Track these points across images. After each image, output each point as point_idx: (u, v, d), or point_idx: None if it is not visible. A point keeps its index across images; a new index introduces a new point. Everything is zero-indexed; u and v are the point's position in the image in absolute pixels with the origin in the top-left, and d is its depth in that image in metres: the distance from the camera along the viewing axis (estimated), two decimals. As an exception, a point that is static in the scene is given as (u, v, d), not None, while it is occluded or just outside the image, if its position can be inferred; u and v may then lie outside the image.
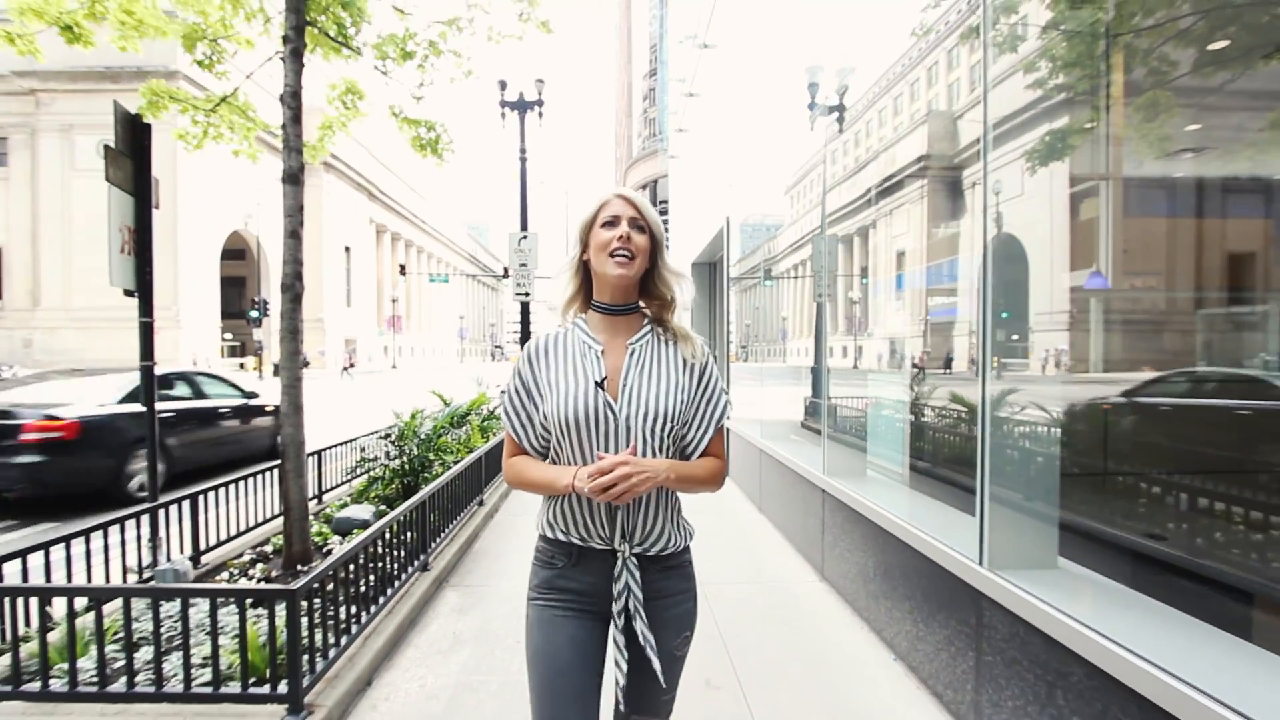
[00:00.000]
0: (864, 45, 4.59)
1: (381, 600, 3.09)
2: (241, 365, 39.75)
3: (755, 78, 6.84)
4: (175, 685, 2.33)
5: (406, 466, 5.11)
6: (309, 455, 4.83)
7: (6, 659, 2.36)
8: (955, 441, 3.16)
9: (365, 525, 4.39)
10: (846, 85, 4.84)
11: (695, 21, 9.80)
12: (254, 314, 33.23)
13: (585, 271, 1.38)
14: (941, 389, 3.50)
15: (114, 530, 3.27)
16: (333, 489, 5.69)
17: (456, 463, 5.05)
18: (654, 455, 1.28)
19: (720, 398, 1.37)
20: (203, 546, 3.89)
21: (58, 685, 2.28)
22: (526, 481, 1.35)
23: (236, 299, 43.02)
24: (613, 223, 1.30)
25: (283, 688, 2.24)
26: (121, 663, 2.40)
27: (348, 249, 50.78)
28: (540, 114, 12.30)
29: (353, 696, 2.51)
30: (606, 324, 1.37)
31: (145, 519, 3.57)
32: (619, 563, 1.29)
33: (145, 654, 2.51)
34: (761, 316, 7.87)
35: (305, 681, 2.29)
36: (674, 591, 1.35)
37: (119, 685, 2.28)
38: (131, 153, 4.02)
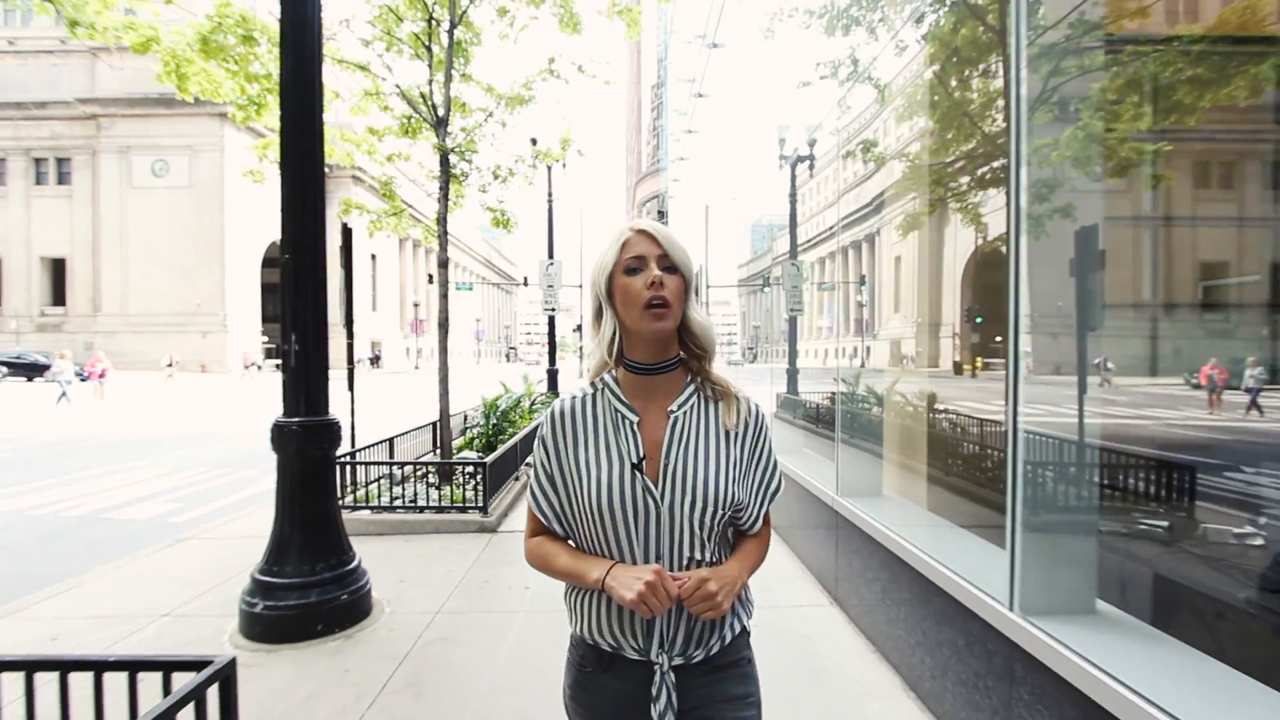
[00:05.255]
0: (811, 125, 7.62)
1: (502, 488, 6.11)
2: (278, 366, 43.04)
3: (733, 136, 9.83)
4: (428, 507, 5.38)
5: (491, 430, 8.13)
6: (427, 425, 7.89)
7: (360, 493, 5.40)
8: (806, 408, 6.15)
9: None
10: (814, 140, 7.87)
11: (683, 98, 12.80)
12: (296, 319, 36.34)
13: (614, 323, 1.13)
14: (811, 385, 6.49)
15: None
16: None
17: (517, 431, 8.08)
18: (700, 547, 1.08)
19: (776, 469, 1.19)
20: (391, 468, 6.94)
21: (393, 502, 5.33)
22: (552, 571, 1.15)
23: (272, 304, 46.47)
24: (638, 267, 1.08)
25: (477, 503, 5.29)
26: (399, 499, 5.44)
27: (373, 256, 54.14)
28: (564, 165, 15.33)
29: (501, 518, 5.54)
30: (643, 385, 1.14)
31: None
32: (657, 678, 1.07)
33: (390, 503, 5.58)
34: (768, 320, 10.82)
35: (489, 506, 5.31)
36: (731, 696, 1.12)
37: (406, 507, 5.33)
38: (345, 246, 7.00)
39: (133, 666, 1.88)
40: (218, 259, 38.42)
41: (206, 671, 1.78)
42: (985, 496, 3.30)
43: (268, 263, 43.48)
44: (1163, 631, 1.85)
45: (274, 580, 3.26)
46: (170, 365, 28.71)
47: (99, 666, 1.85)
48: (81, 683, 1.80)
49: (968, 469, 3.73)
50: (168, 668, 1.91)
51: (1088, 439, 2.13)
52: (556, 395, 12.96)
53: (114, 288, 39.08)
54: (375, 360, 48.40)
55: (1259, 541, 2.13)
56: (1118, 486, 2.77)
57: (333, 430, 3.45)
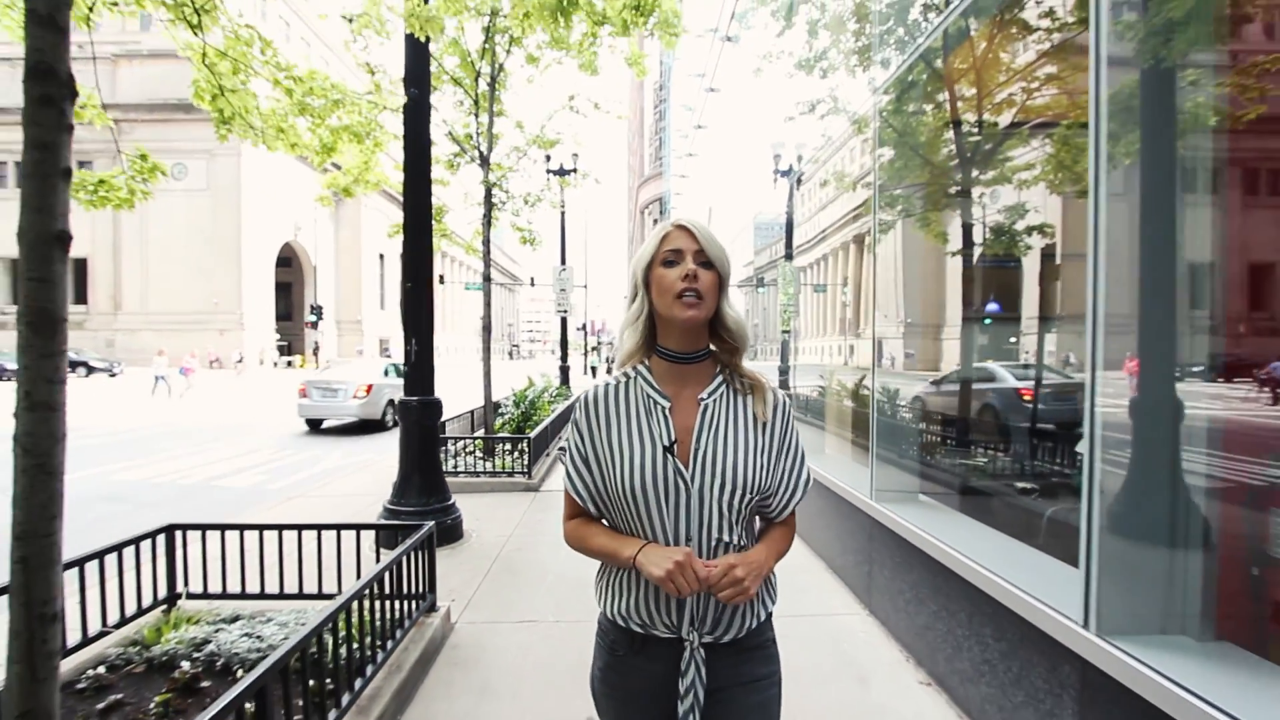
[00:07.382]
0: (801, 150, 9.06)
1: (540, 458, 7.59)
2: (290, 363, 44.46)
3: (734, 147, 11.35)
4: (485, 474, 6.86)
5: (520, 415, 9.61)
6: (465, 412, 9.36)
7: (431, 461, 6.88)
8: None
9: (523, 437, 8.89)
10: (802, 155, 9.30)
11: (685, 124, 14.25)
12: (312, 317, 37.78)
13: (649, 316, 1.20)
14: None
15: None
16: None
17: (542, 418, 9.57)
18: (729, 529, 1.14)
19: (803, 461, 1.23)
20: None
21: (457, 468, 6.81)
22: (588, 549, 1.21)
23: (282, 302, 47.75)
24: (675, 259, 1.16)
25: (524, 469, 6.77)
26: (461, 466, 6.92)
27: (381, 256, 55.64)
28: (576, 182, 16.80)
29: (541, 480, 7.02)
30: (674, 373, 1.20)
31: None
32: (687, 654, 1.13)
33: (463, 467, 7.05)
34: (764, 319, 12.16)
35: (532, 471, 6.80)
36: (755, 677, 1.18)
37: (466, 472, 6.81)
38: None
39: (378, 528, 3.37)
40: (234, 259, 39.72)
41: (425, 529, 3.26)
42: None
43: (281, 262, 44.86)
44: (952, 509, 3.32)
45: (401, 508, 4.73)
46: (240, 360, 32.29)
47: (357, 527, 3.33)
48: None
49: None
50: (395, 530, 3.41)
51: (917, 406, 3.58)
52: (568, 388, 14.43)
53: (134, 287, 40.38)
54: (385, 356, 49.73)
55: (1014, 463, 3.62)
56: (975, 439, 4.24)
57: (439, 406, 4.93)
